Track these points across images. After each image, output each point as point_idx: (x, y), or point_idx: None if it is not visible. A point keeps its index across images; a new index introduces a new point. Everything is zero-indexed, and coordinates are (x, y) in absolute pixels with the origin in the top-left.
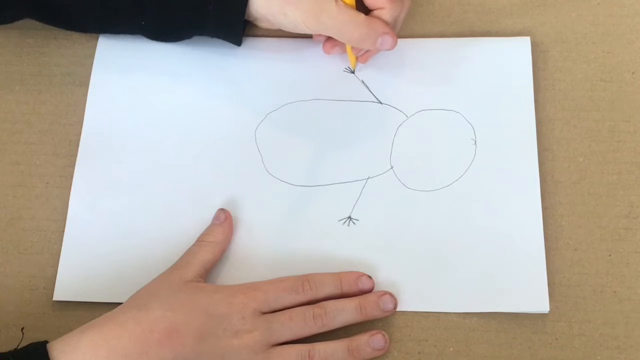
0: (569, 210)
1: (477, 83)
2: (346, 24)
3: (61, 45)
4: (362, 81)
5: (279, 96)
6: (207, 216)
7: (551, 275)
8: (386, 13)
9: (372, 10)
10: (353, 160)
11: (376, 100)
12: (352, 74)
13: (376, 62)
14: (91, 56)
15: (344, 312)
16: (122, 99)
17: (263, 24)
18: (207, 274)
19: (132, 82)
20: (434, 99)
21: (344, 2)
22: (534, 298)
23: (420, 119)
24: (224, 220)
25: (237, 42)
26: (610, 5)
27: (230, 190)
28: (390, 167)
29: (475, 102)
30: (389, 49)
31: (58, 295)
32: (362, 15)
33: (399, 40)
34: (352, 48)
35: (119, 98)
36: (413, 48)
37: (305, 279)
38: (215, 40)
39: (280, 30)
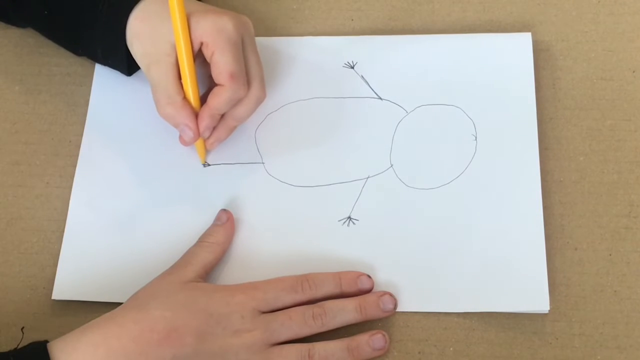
0: (569, 209)
1: (477, 78)
2: (163, 90)
3: None
4: (362, 76)
5: (279, 96)
6: (206, 216)
7: (551, 275)
8: (225, 91)
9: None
10: (353, 159)
11: (376, 96)
12: (352, 69)
13: (376, 58)
14: None
15: (344, 312)
16: (124, 99)
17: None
18: (207, 274)
19: (134, 82)
20: (434, 94)
21: (188, 76)
22: (534, 297)
23: (420, 115)
24: (226, 221)
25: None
26: (611, 4)
27: (230, 190)
28: (390, 166)
29: (476, 97)
30: (186, 142)
31: (57, 294)
32: (180, 98)
33: (400, 37)
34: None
35: (121, 98)
36: (413, 44)
37: (304, 279)
38: None
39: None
